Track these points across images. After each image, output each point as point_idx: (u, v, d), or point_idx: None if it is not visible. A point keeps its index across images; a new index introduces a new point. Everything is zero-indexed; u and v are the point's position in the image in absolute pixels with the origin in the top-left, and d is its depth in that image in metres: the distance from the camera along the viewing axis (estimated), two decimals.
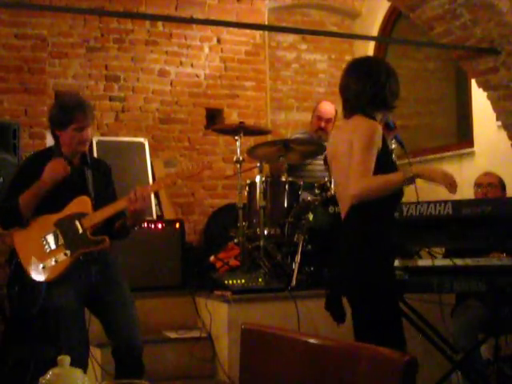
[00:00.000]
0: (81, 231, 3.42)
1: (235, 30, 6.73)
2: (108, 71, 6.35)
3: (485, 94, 4.94)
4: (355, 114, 2.91)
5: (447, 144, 6.50)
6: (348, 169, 2.80)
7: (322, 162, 5.18)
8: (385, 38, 7.12)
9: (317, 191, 4.87)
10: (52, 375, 1.48)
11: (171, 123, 6.56)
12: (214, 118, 6.77)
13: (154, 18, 6.34)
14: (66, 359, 1.50)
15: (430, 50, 6.77)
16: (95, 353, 4.20)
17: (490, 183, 4.44)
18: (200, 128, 6.68)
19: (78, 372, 1.51)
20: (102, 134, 6.18)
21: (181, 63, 6.62)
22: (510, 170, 4.97)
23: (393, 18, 7.00)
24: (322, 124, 5.65)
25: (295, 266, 4.43)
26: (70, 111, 3.44)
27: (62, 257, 3.38)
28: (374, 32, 7.07)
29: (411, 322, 3.55)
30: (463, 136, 6.34)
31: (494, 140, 5.51)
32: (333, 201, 4.72)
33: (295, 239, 4.64)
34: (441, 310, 4.15)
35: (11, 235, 3.49)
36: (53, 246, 3.39)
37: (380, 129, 2.83)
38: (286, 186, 4.99)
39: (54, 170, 3.38)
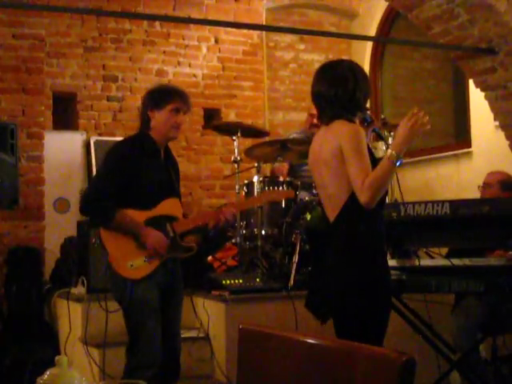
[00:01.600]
0: (171, 235, 3.41)
1: (233, 29, 6.73)
2: (106, 71, 6.34)
3: (482, 94, 4.94)
4: (334, 119, 2.89)
5: (445, 144, 6.51)
6: (339, 171, 2.79)
7: None
8: (382, 38, 7.12)
9: (314, 191, 4.88)
10: (49, 375, 1.48)
11: None
12: (211, 117, 6.77)
13: (152, 18, 6.34)
14: (63, 359, 1.50)
15: (427, 50, 6.78)
16: (93, 353, 4.20)
17: (487, 183, 4.43)
18: (198, 128, 6.68)
19: (75, 372, 1.51)
20: (100, 134, 6.18)
21: (178, 63, 6.62)
22: (508, 170, 4.97)
23: (390, 18, 7.00)
24: (315, 120, 5.65)
25: (293, 266, 4.43)
26: (169, 91, 3.46)
27: (151, 258, 3.34)
28: (372, 32, 7.08)
29: (410, 322, 3.55)
30: (461, 136, 6.35)
31: (491, 140, 5.52)
32: None
33: (293, 239, 4.64)
34: (439, 310, 4.16)
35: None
36: (142, 246, 3.32)
37: (363, 131, 2.82)
38: (284, 186, 4.99)
39: (158, 243, 3.33)
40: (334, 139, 2.82)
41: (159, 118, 3.41)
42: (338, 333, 2.80)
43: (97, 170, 3.40)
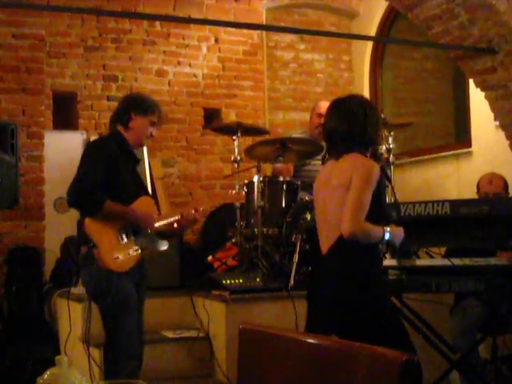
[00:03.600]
0: (149, 231, 3.55)
1: (233, 29, 6.73)
2: (106, 71, 6.34)
3: (482, 93, 4.94)
4: (344, 154, 2.95)
5: (445, 144, 6.50)
6: (343, 201, 2.84)
7: (319, 163, 5.18)
8: (383, 37, 7.12)
9: None
10: (50, 375, 1.48)
11: (169, 123, 6.55)
12: (211, 117, 6.77)
13: (152, 18, 6.34)
14: (63, 359, 1.50)
15: (427, 50, 6.78)
16: (93, 353, 4.20)
17: (496, 193, 4.40)
18: (198, 128, 6.68)
19: (75, 372, 1.51)
20: (100, 134, 6.17)
21: (179, 63, 6.62)
22: (508, 170, 4.97)
23: (391, 18, 7.00)
24: (323, 120, 5.64)
25: (293, 266, 4.43)
26: (155, 104, 3.67)
27: (133, 252, 3.46)
28: (372, 32, 7.08)
29: (409, 321, 3.55)
30: (461, 136, 6.35)
31: (491, 140, 5.51)
32: None
33: (293, 239, 4.65)
34: (439, 309, 4.16)
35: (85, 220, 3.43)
36: (125, 240, 3.45)
37: (379, 171, 2.88)
38: (284, 186, 4.99)
39: (148, 221, 3.50)
40: (348, 170, 2.89)
41: (140, 124, 3.59)
42: None
43: (81, 165, 3.45)
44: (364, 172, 2.83)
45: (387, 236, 2.84)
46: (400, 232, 2.97)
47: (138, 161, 3.71)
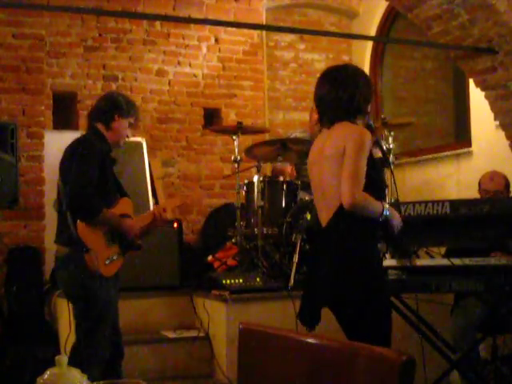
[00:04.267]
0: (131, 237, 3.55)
1: (233, 29, 6.73)
2: (106, 71, 6.34)
3: (482, 93, 4.94)
4: (335, 122, 2.93)
5: (445, 144, 6.50)
6: (339, 171, 2.81)
7: None
8: (382, 37, 7.12)
9: None
10: (49, 375, 1.48)
11: (169, 123, 6.56)
12: (211, 117, 6.77)
13: (152, 18, 6.34)
14: (63, 359, 1.50)
15: (427, 50, 6.78)
16: None
17: (497, 190, 4.40)
18: (198, 128, 6.67)
19: (75, 372, 1.51)
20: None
21: (179, 63, 6.62)
22: (508, 170, 4.97)
23: (391, 18, 7.00)
24: None
25: (293, 266, 4.43)
26: (135, 105, 3.72)
27: (116, 255, 3.46)
28: (372, 32, 7.08)
29: (409, 321, 3.55)
30: (461, 136, 6.35)
31: (491, 140, 5.51)
32: None
33: (293, 239, 4.65)
34: (439, 309, 4.16)
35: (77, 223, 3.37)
36: (111, 243, 3.44)
37: (369, 135, 2.85)
38: (284, 186, 4.99)
39: (133, 229, 3.51)
40: (340, 139, 2.85)
41: (120, 125, 3.59)
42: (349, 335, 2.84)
43: (76, 166, 3.37)
44: (356, 140, 2.80)
45: (386, 212, 2.81)
46: (398, 217, 2.95)
47: (115, 161, 3.66)
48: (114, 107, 3.59)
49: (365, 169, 2.78)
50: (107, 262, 3.38)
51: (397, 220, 2.92)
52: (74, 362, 3.39)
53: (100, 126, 3.57)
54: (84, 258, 3.30)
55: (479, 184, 4.49)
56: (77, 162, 3.36)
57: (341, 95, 2.90)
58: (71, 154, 3.45)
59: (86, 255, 3.30)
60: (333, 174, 2.84)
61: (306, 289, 3.04)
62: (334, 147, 2.86)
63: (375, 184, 2.87)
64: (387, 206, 2.85)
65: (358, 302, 2.79)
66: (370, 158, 2.84)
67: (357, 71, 3.03)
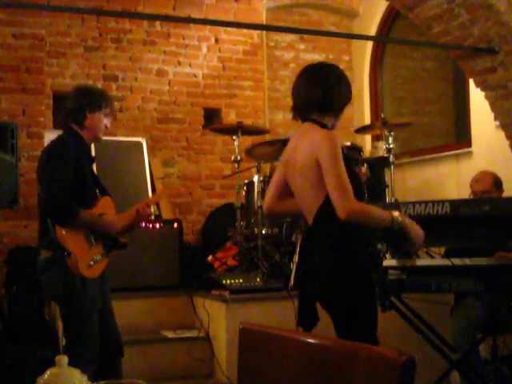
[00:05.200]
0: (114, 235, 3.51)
1: (233, 29, 6.73)
2: (106, 71, 6.35)
3: (483, 93, 4.94)
4: (306, 119, 2.91)
5: (445, 144, 6.51)
6: (315, 181, 2.76)
7: None
8: (383, 37, 7.13)
9: None
10: (50, 375, 1.48)
11: (169, 123, 6.56)
12: (211, 117, 6.77)
13: (152, 18, 6.34)
14: (63, 359, 1.50)
15: (427, 50, 6.78)
16: None
17: (484, 191, 4.41)
18: (198, 128, 6.68)
19: (75, 372, 1.51)
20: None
21: (179, 63, 6.62)
22: (508, 170, 4.97)
23: (391, 18, 7.00)
24: None
25: (293, 266, 4.42)
26: (106, 95, 3.60)
27: (101, 256, 3.41)
28: (372, 32, 7.08)
29: (410, 321, 3.55)
30: (461, 136, 6.35)
31: (491, 140, 5.51)
32: None
33: (293, 239, 4.65)
34: (439, 309, 4.16)
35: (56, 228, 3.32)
36: (94, 244, 3.39)
37: (337, 137, 2.79)
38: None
39: (114, 226, 3.45)
40: (310, 148, 2.80)
41: (96, 120, 3.50)
42: (337, 330, 2.81)
43: (48, 171, 3.31)
44: (328, 147, 2.72)
45: (397, 220, 2.68)
46: (419, 230, 2.79)
47: (93, 159, 3.62)
48: (82, 104, 3.48)
49: (344, 171, 2.70)
50: (91, 263, 3.32)
51: (417, 233, 2.78)
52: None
53: (74, 126, 3.50)
54: (66, 261, 3.26)
55: (470, 187, 4.50)
56: (51, 165, 3.32)
57: (315, 92, 2.87)
58: (46, 156, 3.41)
59: (68, 259, 3.25)
60: (309, 185, 2.81)
61: (300, 290, 3.04)
62: (304, 159, 2.81)
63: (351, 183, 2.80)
64: (396, 213, 2.74)
65: (341, 303, 2.78)
66: (344, 157, 2.78)
67: (335, 70, 2.98)
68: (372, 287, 2.88)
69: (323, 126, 2.87)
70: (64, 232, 3.25)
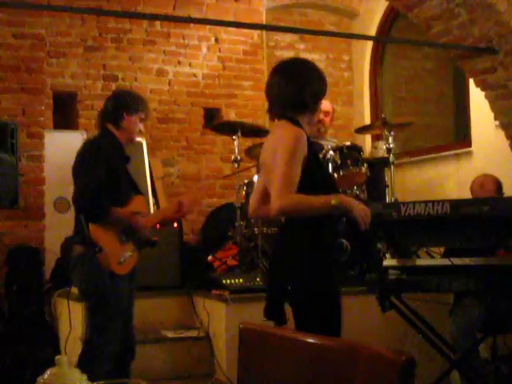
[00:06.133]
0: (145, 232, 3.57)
1: (233, 29, 6.73)
2: (106, 71, 6.35)
3: (482, 93, 4.94)
4: (281, 117, 2.84)
5: (445, 144, 6.51)
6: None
7: None
8: (383, 37, 7.13)
9: None
10: (49, 375, 1.48)
11: (169, 123, 6.56)
12: (212, 117, 6.77)
13: (152, 18, 6.34)
14: (63, 359, 1.50)
15: (427, 50, 6.78)
16: None
17: (483, 184, 4.41)
18: (198, 127, 6.68)
19: (75, 372, 1.51)
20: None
21: (179, 63, 6.62)
22: (508, 170, 4.97)
23: (391, 18, 7.01)
24: (321, 116, 5.64)
25: None
26: (143, 100, 3.70)
27: (131, 253, 3.47)
28: (372, 32, 7.08)
29: (409, 321, 3.55)
30: (461, 135, 6.35)
31: (491, 139, 5.52)
32: None
33: None
34: (439, 309, 4.16)
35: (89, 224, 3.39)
36: (125, 242, 3.45)
37: (304, 136, 2.72)
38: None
39: (145, 226, 3.52)
40: (272, 145, 2.79)
41: (130, 122, 3.59)
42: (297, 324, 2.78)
43: (84, 168, 3.40)
44: (286, 141, 2.68)
45: (334, 202, 2.61)
46: (362, 207, 2.71)
47: (128, 159, 3.70)
48: (121, 106, 3.60)
49: (297, 173, 2.64)
50: (121, 260, 3.40)
51: (359, 210, 2.69)
52: (85, 358, 3.41)
53: (110, 127, 3.60)
54: (97, 257, 3.34)
55: (470, 190, 4.49)
56: (84, 164, 3.42)
57: (288, 89, 2.81)
58: (81, 155, 3.50)
59: (100, 255, 3.33)
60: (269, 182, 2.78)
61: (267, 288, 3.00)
62: (268, 157, 2.78)
63: (322, 183, 2.79)
64: (339, 196, 2.67)
65: (302, 298, 2.74)
66: (313, 157, 2.75)
67: (309, 66, 2.94)
68: (333, 283, 2.81)
69: (295, 123, 2.79)
70: (96, 228, 3.34)
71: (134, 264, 3.52)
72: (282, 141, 2.72)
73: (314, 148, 2.83)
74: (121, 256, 3.40)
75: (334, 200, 2.62)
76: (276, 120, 2.90)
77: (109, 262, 3.35)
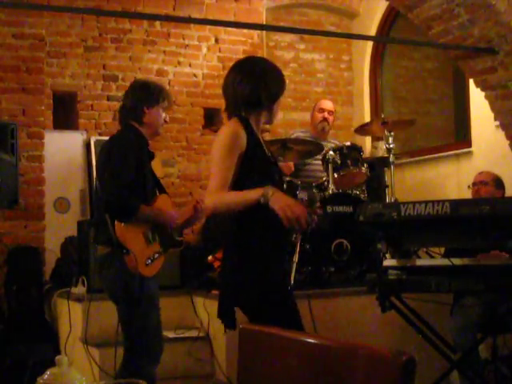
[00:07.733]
0: (169, 230, 3.48)
1: (233, 29, 6.73)
2: (106, 71, 6.35)
3: (482, 93, 4.94)
4: (233, 115, 2.80)
5: (445, 144, 6.51)
6: None
7: (320, 162, 5.18)
8: (383, 37, 7.13)
9: (315, 191, 4.87)
10: (50, 375, 1.48)
11: (169, 123, 6.52)
12: (211, 117, 6.77)
13: (152, 18, 6.34)
14: (63, 359, 1.50)
15: (427, 50, 6.79)
16: (93, 352, 4.20)
17: (482, 181, 4.45)
18: (198, 128, 6.68)
19: (75, 372, 1.51)
20: (100, 134, 6.18)
21: (179, 63, 6.62)
22: (508, 170, 4.97)
23: (391, 18, 7.01)
24: (326, 114, 5.65)
25: (293, 266, 4.42)
26: (162, 89, 3.51)
27: (158, 254, 3.37)
28: (372, 32, 7.08)
29: (410, 321, 3.55)
30: (461, 136, 6.35)
31: (491, 140, 5.52)
32: (331, 200, 4.72)
33: (293, 239, 4.64)
34: (439, 309, 4.16)
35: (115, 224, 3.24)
36: (152, 242, 3.35)
37: (241, 132, 2.68)
38: (284, 186, 4.98)
39: (173, 221, 3.44)
40: (214, 144, 2.77)
41: (153, 114, 3.44)
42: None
43: (109, 168, 3.26)
44: (222, 139, 2.66)
45: (262, 200, 2.53)
46: (287, 201, 2.58)
47: (153, 156, 3.56)
48: (140, 101, 3.42)
49: (230, 170, 2.62)
50: (148, 262, 3.28)
51: (282, 207, 2.53)
52: (125, 366, 3.26)
53: (133, 123, 3.44)
54: (124, 259, 3.20)
55: (472, 186, 4.51)
56: (111, 162, 3.26)
57: (243, 87, 2.76)
58: (107, 153, 3.34)
59: (126, 257, 3.19)
60: None
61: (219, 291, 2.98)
62: (212, 153, 2.76)
63: (261, 177, 2.73)
64: (269, 191, 2.55)
65: (249, 303, 2.78)
66: (251, 151, 2.70)
67: (267, 66, 2.89)
68: (275, 287, 2.81)
69: (242, 121, 2.75)
70: (123, 229, 3.19)
71: (161, 265, 3.39)
72: (218, 138, 2.72)
73: (261, 144, 2.78)
74: (148, 257, 3.29)
75: (263, 198, 2.54)
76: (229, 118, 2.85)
77: (136, 264, 3.19)
